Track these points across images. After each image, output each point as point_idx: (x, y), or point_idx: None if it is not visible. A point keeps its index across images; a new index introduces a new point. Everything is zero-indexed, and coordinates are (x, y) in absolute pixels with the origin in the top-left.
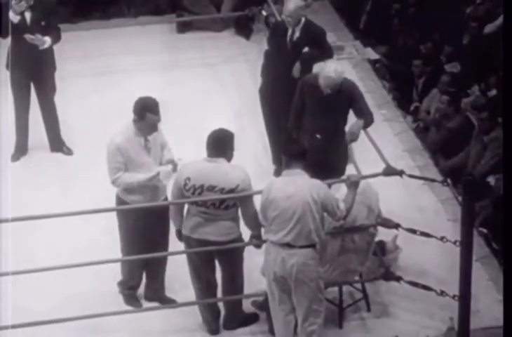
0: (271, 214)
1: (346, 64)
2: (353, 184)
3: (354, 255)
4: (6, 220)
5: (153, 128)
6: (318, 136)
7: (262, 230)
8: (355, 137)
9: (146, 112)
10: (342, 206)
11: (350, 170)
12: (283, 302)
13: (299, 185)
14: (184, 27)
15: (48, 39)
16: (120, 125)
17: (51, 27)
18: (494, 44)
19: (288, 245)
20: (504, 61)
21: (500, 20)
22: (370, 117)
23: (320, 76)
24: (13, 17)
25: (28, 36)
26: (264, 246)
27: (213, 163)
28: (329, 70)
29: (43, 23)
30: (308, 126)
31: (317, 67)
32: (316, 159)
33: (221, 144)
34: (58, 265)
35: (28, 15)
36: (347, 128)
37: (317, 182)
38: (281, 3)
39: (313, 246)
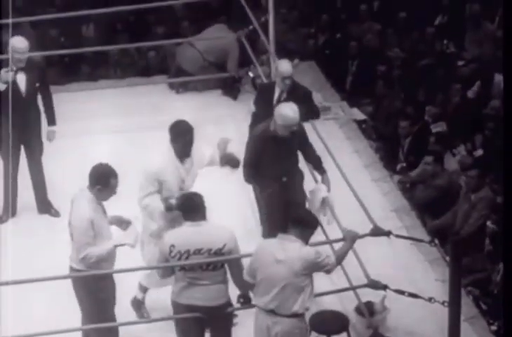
0: (259, 276)
1: (333, 125)
2: (351, 238)
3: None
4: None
5: (115, 191)
6: (284, 179)
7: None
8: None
9: (110, 178)
10: (332, 259)
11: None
12: None
13: (290, 253)
14: (178, 87)
15: (54, 129)
16: (80, 198)
17: (44, 88)
18: (478, 105)
19: (273, 312)
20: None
21: (477, 86)
22: (321, 163)
23: (277, 119)
24: (1, 86)
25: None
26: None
27: (195, 227)
28: (285, 110)
29: (37, 84)
30: (270, 173)
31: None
32: (291, 200)
33: (198, 208)
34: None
35: (22, 78)
36: None
37: (308, 252)
38: (267, 65)
39: (297, 315)
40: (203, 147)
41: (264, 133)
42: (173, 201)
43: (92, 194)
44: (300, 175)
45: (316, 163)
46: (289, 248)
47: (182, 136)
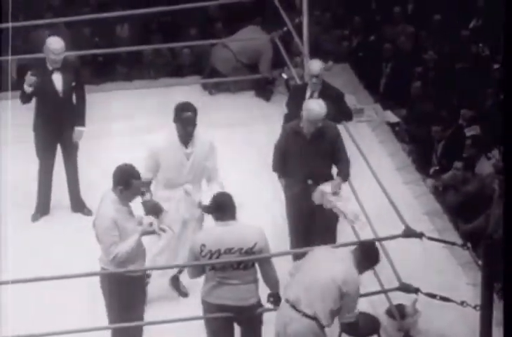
0: (303, 267)
1: (366, 127)
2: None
3: None
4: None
5: (138, 193)
6: (309, 182)
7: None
8: (337, 193)
9: (132, 179)
10: (356, 313)
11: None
12: None
13: (341, 267)
14: (211, 88)
15: (83, 129)
16: (105, 198)
17: (79, 88)
18: None
19: (294, 307)
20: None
21: None
22: (347, 167)
23: (304, 114)
24: (27, 89)
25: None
26: None
27: (226, 226)
28: (312, 104)
29: (73, 84)
30: (296, 173)
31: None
32: (314, 204)
33: (228, 207)
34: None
35: (58, 78)
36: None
37: (357, 278)
38: (301, 67)
39: (317, 320)
40: (205, 134)
41: (292, 129)
42: (148, 197)
43: (116, 195)
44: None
45: (341, 170)
46: (343, 263)
47: (180, 114)
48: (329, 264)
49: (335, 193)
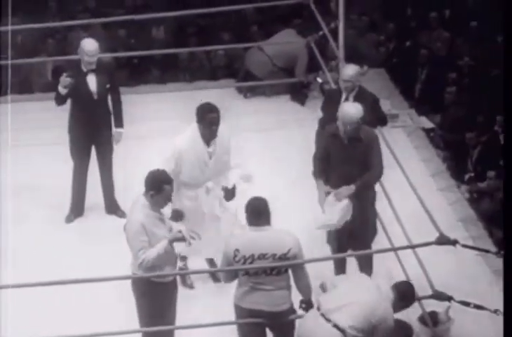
0: (339, 284)
1: (401, 133)
2: None
3: None
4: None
5: (170, 198)
6: None
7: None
8: (338, 199)
9: (164, 185)
10: None
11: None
12: None
13: (379, 299)
14: (246, 91)
15: (122, 131)
16: (136, 203)
17: (114, 89)
18: None
19: (324, 315)
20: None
21: None
22: (372, 175)
23: (339, 116)
24: (61, 90)
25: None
26: None
27: (260, 231)
28: (348, 106)
29: (107, 86)
30: (335, 178)
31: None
32: (358, 217)
33: (263, 212)
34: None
35: (93, 79)
36: None
37: (389, 313)
38: (336, 71)
39: (345, 333)
40: (225, 131)
41: (330, 132)
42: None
43: (147, 200)
44: (372, 192)
45: (361, 177)
46: (383, 298)
47: (205, 115)
48: (373, 294)
49: (338, 198)
